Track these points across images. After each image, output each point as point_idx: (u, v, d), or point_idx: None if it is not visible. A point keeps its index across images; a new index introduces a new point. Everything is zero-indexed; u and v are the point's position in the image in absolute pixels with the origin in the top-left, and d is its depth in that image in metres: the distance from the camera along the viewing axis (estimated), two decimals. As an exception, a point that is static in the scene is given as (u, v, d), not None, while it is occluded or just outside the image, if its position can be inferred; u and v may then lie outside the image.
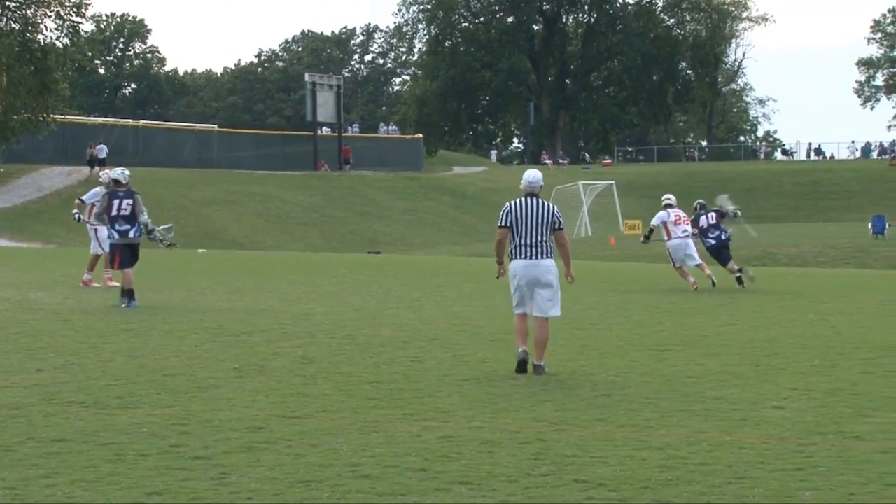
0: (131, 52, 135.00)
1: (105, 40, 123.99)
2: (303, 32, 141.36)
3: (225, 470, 8.05)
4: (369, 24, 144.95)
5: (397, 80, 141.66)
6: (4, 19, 56.58)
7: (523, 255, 12.30)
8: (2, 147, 59.60)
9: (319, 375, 12.15)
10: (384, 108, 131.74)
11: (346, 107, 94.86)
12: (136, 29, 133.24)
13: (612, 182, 67.35)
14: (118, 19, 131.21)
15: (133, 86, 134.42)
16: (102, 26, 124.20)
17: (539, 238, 12.27)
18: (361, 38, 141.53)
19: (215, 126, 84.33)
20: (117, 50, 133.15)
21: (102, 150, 60.93)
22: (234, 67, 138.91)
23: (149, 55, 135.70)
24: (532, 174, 12.50)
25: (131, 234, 19.23)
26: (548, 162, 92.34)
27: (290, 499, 7.41)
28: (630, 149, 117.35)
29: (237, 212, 60.45)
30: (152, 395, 10.92)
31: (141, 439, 8.97)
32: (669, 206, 24.58)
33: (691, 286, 23.45)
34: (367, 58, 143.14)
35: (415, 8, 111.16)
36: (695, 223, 24.47)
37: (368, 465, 8.22)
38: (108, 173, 22.37)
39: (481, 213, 66.94)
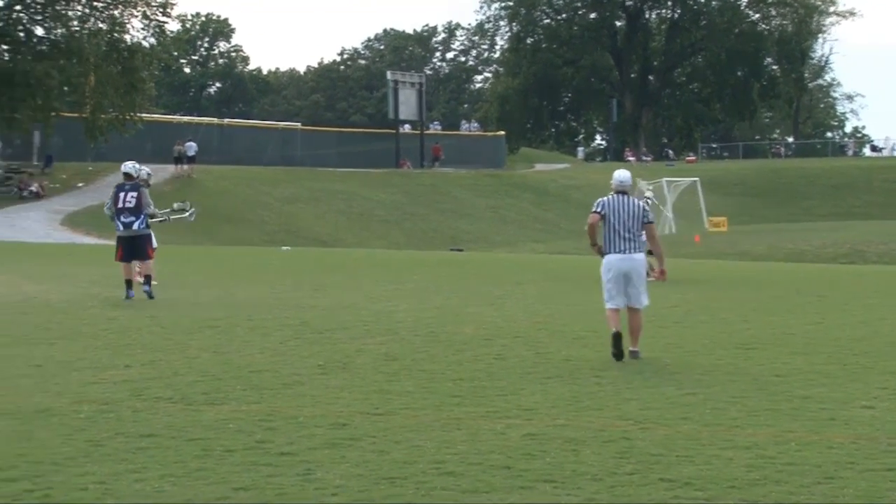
0: (216, 52, 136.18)
1: (190, 40, 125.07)
2: (385, 30, 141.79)
3: (310, 466, 8.09)
4: (451, 21, 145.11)
5: (479, 78, 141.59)
6: (92, 19, 57.32)
7: (617, 250, 12.97)
8: (90, 146, 60.42)
9: (402, 372, 12.17)
10: (466, 106, 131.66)
11: (428, 104, 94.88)
12: (220, 28, 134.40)
13: (697, 179, 66.75)
14: (203, 19, 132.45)
15: (218, 85, 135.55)
16: (188, 26, 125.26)
17: (631, 233, 12.96)
18: (443, 35, 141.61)
19: (299, 124, 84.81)
20: (202, 49, 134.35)
21: (191, 148, 61.56)
22: (317, 66, 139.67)
23: (233, 54, 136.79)
24: (622, 174, 13.29)
25: (135, 227, 19.62)
26: (631, 159, 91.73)
27: (375, 495, 7.42)
28: (714, 145, 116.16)
29: (320, 209, 60.74)
30: (238, 391, 11.01)
31: (227, 435, 9.04)
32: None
33: None
34: (449, 55, 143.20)
35: (497, 5, 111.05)
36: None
37: (452, 462, 8.22)
38: (127, 164, 22.77)
39: (563, 210, 66.74)
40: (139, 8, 57.65)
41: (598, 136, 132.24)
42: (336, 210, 61.42)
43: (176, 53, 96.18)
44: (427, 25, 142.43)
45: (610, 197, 13.17)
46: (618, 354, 12.79)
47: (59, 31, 57.12)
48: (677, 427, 9.48)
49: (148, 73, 60.20)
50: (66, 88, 58.67)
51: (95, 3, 56.78)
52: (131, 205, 19.62)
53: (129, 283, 19.53)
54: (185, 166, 60.57)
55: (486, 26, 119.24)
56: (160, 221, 22.30)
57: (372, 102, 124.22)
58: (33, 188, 54.52)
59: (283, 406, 10.27)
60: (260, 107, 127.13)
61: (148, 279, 19.70)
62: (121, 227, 19.70)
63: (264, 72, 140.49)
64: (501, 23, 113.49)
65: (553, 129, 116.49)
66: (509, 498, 7.40)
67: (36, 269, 25.50)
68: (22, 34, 57.12)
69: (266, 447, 8.65)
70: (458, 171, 76.85)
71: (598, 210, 13.02)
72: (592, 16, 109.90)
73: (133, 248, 19.65)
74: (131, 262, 19.72)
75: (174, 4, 58.69)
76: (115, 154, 62.90)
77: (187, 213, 23.76)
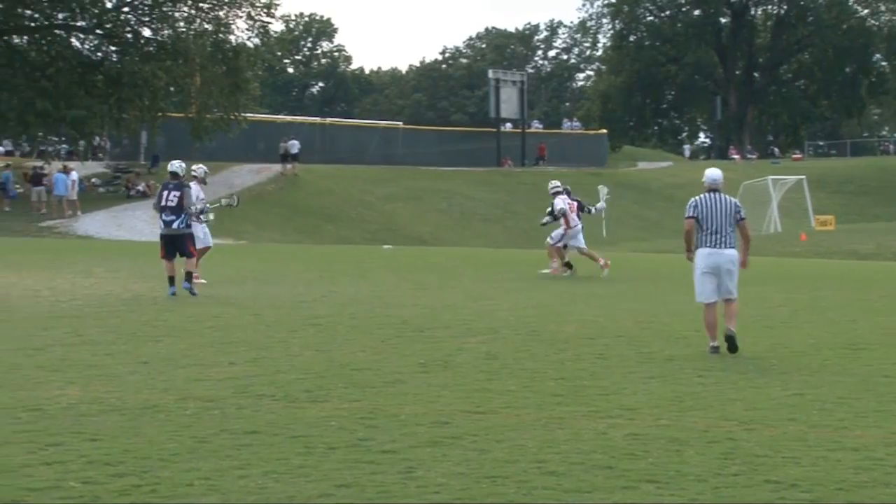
0: (319, 51, 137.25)
1: (294, 40, 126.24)
2: (487, 29, 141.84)
3: (412, 464, 8.10)
4: (553, 19, 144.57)
5: (581, 76, 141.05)
6: (198, 21, 58.03)
7: (709, 244, 13.37)
8: (195, 145, 61.22)
9: (504, 371, 12.15)
10: (567, 104, 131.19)
11: (530, 103, 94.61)
12: (323, 28, 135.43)
13: (803, 177, 65.81)
14: (306, 19, 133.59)
15: (320, 84, 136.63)
16: (291, 26, 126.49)
17: (723, 229, 13.36)
18: (545, 33, 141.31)
19: (400, 123, 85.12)
20: (305, 49, 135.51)
21: (294, 146, 62.10)
22: (418, 65, 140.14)
23: (335, 54, 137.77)
24: (714, 172, 13.73)
25: (174, 226, 20.04)
26: (735, 156, 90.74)
27: (477, 494, 7.41)
28: (821, 143, 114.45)
29: (421, 208, 60.93)
30: (340, 389, 11.06)
31: (329, 432, 9.09)
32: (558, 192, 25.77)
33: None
34: (551, 53, 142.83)
35: (599, 3, 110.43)
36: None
37: (554, 462, 8.18)
38: (201, 167, 23.11)
39: (665, 208, 66.14)
40: (244, 9, 58.25)
41: (701, 134, 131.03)
42: (437, 209, 61.57)
43: (280, 53, 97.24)
44: (529, 24, 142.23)
45: (702, 196, 13.57)
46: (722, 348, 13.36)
47: (166, 32, 57.91)
48: (783, 428, 9.34)
49: (252, 74, 60.81)
50: (172, 89, 59.49)
51: (201, 5, 57.48)
52: (173, 204, 20.09)
53: (171, 280, 19.93)
54: (289, 165, 61.09)
55: (589, 24, 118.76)
56: (227, 206, 23.05)
57: (473, 101, 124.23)
58: (140, 187, 55.36)
59: (385, 404, 10.30)
60: (362, 106, 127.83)
61: (189, 276, 20.00)
62: (162, 225, 20.23)
63: (366, 71, 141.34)
64: (604, 20, 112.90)
65: (656, 127, 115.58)
66: (612, 498, 7.35)
67: (143, 267, 25.89)
68: (130, 35, 58.03)
69: (368, 445, 8.68)
70: (560, 169, 76.52)
71: (692, 214, 13.46)
72: (696, 13, 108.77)
73: (174, 245, 20.11)
74: (173, 260, 20.10)
75: (278, 5, 59.23)
76: (222, 154, 63.84)
77: (233, 203, 24.46)
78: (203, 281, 21.60)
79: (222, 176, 59.82)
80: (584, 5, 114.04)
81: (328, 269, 27.21)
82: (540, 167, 76.86)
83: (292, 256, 31.63)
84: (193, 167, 23.76)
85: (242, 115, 59.52)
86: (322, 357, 13.00)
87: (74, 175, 49.72)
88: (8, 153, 67.71)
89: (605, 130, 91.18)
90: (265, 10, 58.71)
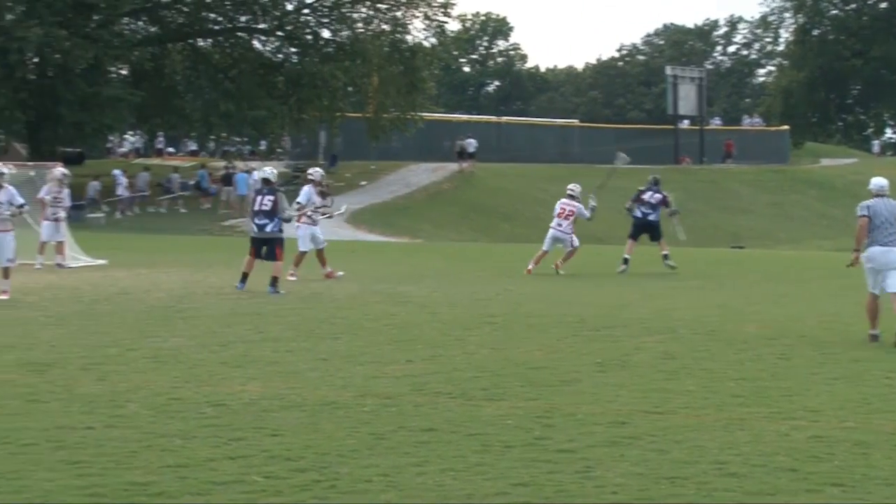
0: (494, 50, 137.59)
1: (469, 39, 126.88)
2: (665, 25, 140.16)
3: (589, 464, 8.04)
4: (733, 14, 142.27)
5: (762, 72, 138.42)
6: (376, 21, 58.78)
7: (879, 243, 14.45)
8: (372, 145, 62.00)
9: (682, 371, 11.99)
10: (747, 100, 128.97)
11: (709, 99, 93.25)
12: (499, 27, 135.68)
13: None
14: (482, 18, 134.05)
15: (496, 83, 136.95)
16: (467, 25, 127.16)
17: (892, 229, 14.45)
18: (725, 29, 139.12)
19: (576, 121, 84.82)
20: (481, 48, 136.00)
21: (471, 145, 62.36)
22: (595, 62, 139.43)
23: (511, 52, 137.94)
24: (879, 181, 14.89)
25: (267, 230, 20.41)
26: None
27: (655, 495, 7.32)
28: None
29: (598, 206, 60.55)
30: (516, 387, 11.05)
31: (506, 431, 9.08)
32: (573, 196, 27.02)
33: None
34: (731, 49, 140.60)
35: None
36: (639, 194, 27.02)
37: (735, 464, 8.03)
38: (318, 171, 23.29)
39: (851, 206, 63.46)
40: (421, 9, 58.78)
41: (888, 130, 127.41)
42: (615, 207, 61.12)
43: (456, 52, 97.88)
44: (708, 19, 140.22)
45: (872, 201, 14.72)
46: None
47: (345, 33, 58.78)
48: (976, 433, 9.01)
49: (428, 73, 61.31)
50: (350, 89, 60.39)
51: (379, 5, 58.19)
52: (266, 208, 20.49)
53: (244, 276, 20.47)
54: (465, 164, 61.35)
55: (770, 18, 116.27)
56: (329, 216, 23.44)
57: (650, 98, 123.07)
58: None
59: (562, 403, 10.25)
60: (537, 104, 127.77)
61: (275, 281, 20.22)
62: (255, 229, 20.67)
63: (542, 69, 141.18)
64: (786, 14, 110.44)
65: (840, 123, 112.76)
66: (795, 500, 7.19)
67: (320, 266, 26.28)
68: (310, 37, 59.08)
69: (545, 444, 8.64)
70: (740, 166, 75.33)
71: (865, 213, 14.62)
72: (884, 5, 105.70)
73: (263, 248, 20.51)
74: (255, 260, 20.61)
75: (454, 4, 59.62)
76: (399, 153, 64.53)
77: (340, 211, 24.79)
78: (294, 278, 22.28)
79: (399, 174, 60.47)
80: (764, 0, 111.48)
81: (503, 267, 27.24)
82: (726, 165, 75.69)
83: (468, 255, 31.77)
84: (310, 170, 24.25)
85: (419, 114, 60.02)
86: (498, 355, 13.01)
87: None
88: (193, 153, 69.61)
89: (786, 127, 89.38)
90: (442, 10, 59.15)
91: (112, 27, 52.40)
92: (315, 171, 24.02)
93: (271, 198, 20.59)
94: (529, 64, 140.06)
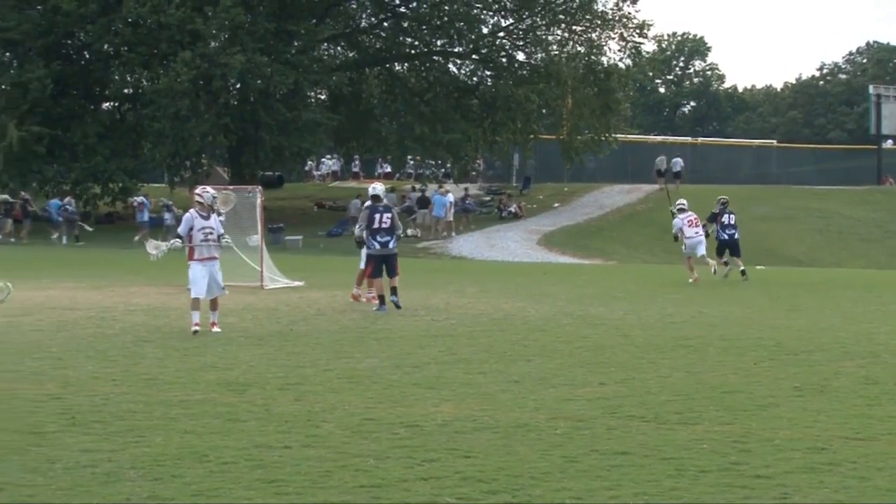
0: (691, 70, 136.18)
1: (665, 59, 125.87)
2: (868, 43, 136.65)
3: (787, 490, 7.88)
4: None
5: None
6: (571, 43, 58.80)
7: None
8: (567, 167, 61.95)
9: (884, 396, 11.65)
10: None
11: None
12: (696, 47, 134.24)
13: None
14: (679, 38, 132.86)
15: (692, 103, 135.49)
16: (663, 45, 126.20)
17: None
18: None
19: (774, 141, 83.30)
20: (677, 68, 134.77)
21: (677, 164, 61.82)
22: (794, 82, 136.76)
23: (708, 72, 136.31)
24: None
25: (390, 246, 20.89)
26: None
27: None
28: None
29: (795, 228, 59.29)
30: (711, 411, 10.89)
31: (701, 455, 8.95)
32: (682, 210, 29.19)
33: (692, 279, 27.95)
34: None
35: None
36: (715, 217, 29.95)
37: (940, 495, 7.76)
38: (376, 186, 22.85)
39: None
40: (616, 30, 58.57)
41: None
42: (812, 228, 59.74)
43: (651, 73, 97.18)
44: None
45: None
46: None
47: (539, 55, 58.96)
48: None
49: (623, 94, 61.03)
50: (544, 111, 60.47)
51: (574, 28, 58.19)
52: (387, 225, 20.94)
53: (381, 299, 20.80)
54: (672, 185, 60.73)
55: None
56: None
57: (852, 118, 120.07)
58: (512, 209, 56.39)
59: (758, 428, 10.06)
60: (734, 125, 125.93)
61: (395, 290, 20.80)
62: (377, 246, 20.91)
63: (739, 89, 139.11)
64: None
65: None
66: None
67: (514, 287, 26.38)
68: (504, 60, 59.46)
69: (741, 469, 8.50)
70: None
71: None
72: None
73: (386, 265, 20.95)
74: (376, 279, 21.00)
75: (651, 25, 59.23)
76: (592, 175, 64.35)
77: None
78: (368, 297, 22.18)
79: (593, 196, 60.27)
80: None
81: (693, 289, 26.89)
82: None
83: (661, 277, 31.44)
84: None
85: (613, 135, 59.77)
86: (692, 379, 12.84)
87: (450, 197, 51.21)
88: (387, 175, 70.59)
89: None
90: (638, 31, 58.79)
91: (311, 53, 53.63)
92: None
93: (389, 215, 21.14)
94: (727, 84, 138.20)
